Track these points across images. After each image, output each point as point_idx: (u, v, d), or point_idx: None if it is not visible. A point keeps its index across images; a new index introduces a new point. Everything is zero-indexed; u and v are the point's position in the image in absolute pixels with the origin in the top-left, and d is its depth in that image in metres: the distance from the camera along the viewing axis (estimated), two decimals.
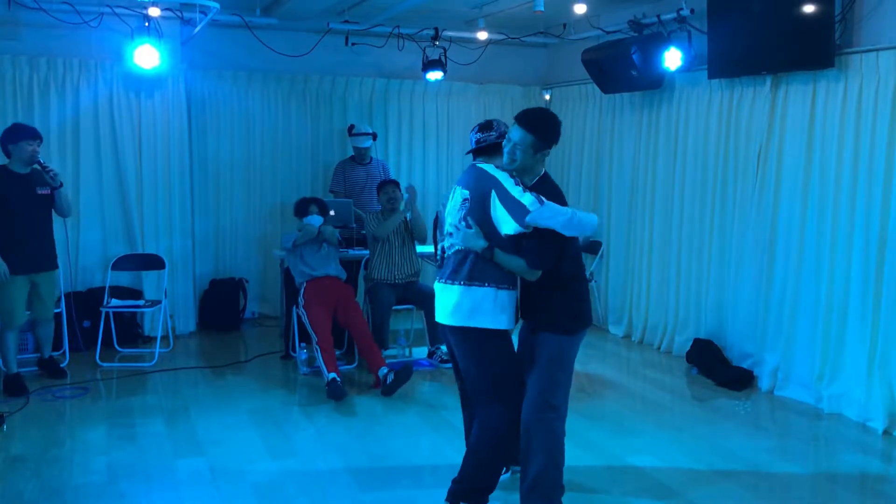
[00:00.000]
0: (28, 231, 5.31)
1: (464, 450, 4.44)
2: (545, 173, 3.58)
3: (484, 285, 3.46)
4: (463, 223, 3.50)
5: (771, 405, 5.40)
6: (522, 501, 3.55)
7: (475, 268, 3.48)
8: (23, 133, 5.30)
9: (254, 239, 7.61)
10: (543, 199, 3.33)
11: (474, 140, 3.74)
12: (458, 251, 3.55)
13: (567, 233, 3.38)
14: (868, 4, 4.96)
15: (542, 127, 3.48)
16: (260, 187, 7.57)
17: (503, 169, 3.49)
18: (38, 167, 5.32)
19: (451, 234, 3.60)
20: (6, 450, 4.43)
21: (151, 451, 4.44)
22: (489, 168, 3.52)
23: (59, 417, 4.98)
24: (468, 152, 3.81)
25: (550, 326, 3.52)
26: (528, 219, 3.30)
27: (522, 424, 3.54)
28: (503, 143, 3.54)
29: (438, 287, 3.63)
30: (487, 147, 3.69)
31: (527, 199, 3.31)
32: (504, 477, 3.96)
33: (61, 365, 5.89)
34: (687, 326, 6.48)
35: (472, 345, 3.55)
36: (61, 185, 5.42)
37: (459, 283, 3.51)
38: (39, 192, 5.36)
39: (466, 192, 3.53)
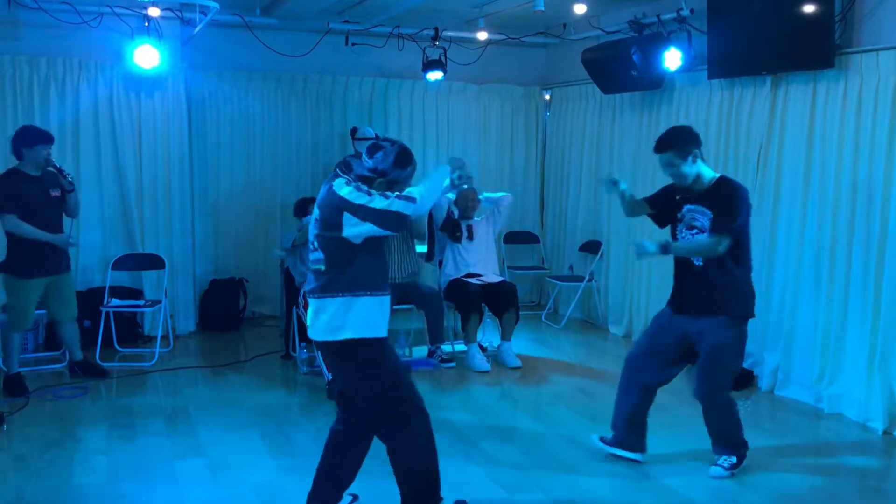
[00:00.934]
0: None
1: (463, 450, 4.46)
2: (720, 177, 4.05)
3: (337, 295, 3.29)
4: (317, 242, 3.35)
5: (771, 405, 5.40)
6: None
7: (328, 279, 3.32)
8: (38, 137, 5.33)
9: (254, 239, 7.61)
10: (389, 193, 3.23)
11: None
12: (316, 270, 3.37)
13: (427, 203, 3.35)
14: (868, 4, 4.96)
15: (669, 142, 3.97)
16: (260, 187, 7.57)
17: (345, 177, 3.33)
18: (54, 170, 5.39)
19: (313, 250, 3.40)
20: (6, 450, 4.43)
21: (151, 451, 4.44)
22: (336, 183, 3.33)
23: (59, 417, 4.97)
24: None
25: (738, 311, 4.00)
26: (413, 215, 3.27)
27: (713, 402, 4.07)
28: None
29: (310, 302, 3.45)
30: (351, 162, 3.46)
31: (378, 202, 3.20)
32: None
33: (75, 359, 5.86)
34: None
35: (343, 360, 3.40)
36: (74, 188, 5.51)
37: (316, 297, 3.36)
38: (52, 193, 5.42)
39: (317, 212, 3.37)
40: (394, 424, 3.38)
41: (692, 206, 4.03)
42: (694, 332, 4.04)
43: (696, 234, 4.00)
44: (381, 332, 3.36)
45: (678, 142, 3.97)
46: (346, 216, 3.23)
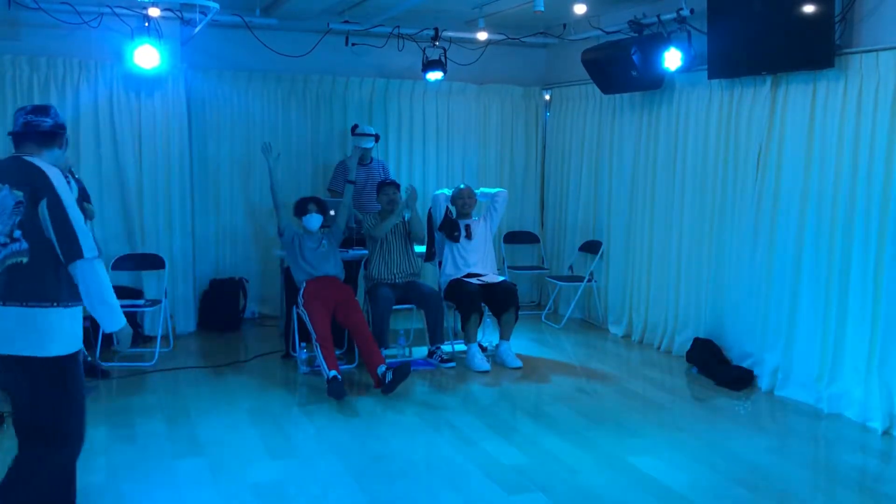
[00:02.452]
0: None
1: (463, 450, 4.46)
2: None
3: (52, 305, 2.86)
4: (19, 231, 2.86)
5: (771, 405, 5.40)
6: None
7: (35, 284, 2.87)
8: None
9: (254, 239, 7.61)
10: (97, 251, 2.89)
11: (21, 122, 3.07)
12: (13, 265, 2.87)
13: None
14: (868, 4, 4.96)
15: None
16: (260, 187, 7.55)
17: (59, 168, 2.95)
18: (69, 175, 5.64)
19: (11, 241, 2.89)
20: (6, 450, 4.42)
21: (151, 451, 4.43)
22: (40, 163, 2.94)
23: None
24: (11, 133, 3.08)
25: None
26: (78, 264, 2.86)
27: None
28: None
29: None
30: (37, 135, 3.04)
31: (87, 242, 2.86)
32: None
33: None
34: (687, 326, 6.48)
35: (37, 376, 2.91)
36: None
37: (17, 304, 2.86)
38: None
39: (20, 194, 2.86)
40: (53, 445, 3.00)
41: None
42: None
43: None
44: (80, 343, 3.02)
45: None
46: (44, 210, 2.85)
